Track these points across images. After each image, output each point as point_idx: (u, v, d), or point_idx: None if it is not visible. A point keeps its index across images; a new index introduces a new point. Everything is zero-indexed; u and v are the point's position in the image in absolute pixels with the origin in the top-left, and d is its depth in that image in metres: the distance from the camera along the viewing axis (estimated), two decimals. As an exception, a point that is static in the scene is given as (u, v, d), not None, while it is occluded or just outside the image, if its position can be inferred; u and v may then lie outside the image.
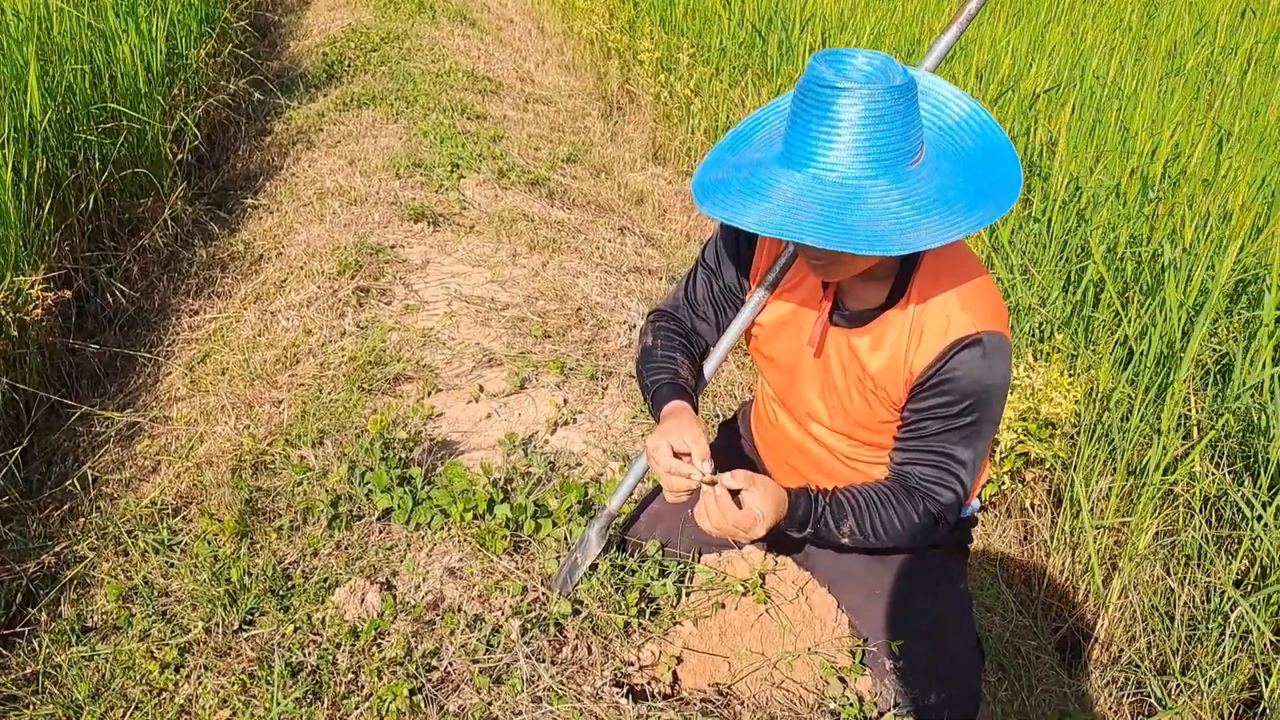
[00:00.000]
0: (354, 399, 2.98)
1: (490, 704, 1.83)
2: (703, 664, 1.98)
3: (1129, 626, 2.97)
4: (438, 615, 2.05)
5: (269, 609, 2.14)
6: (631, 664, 1.96)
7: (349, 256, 3.89)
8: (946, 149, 1.60)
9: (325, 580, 2.20)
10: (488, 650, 1.94)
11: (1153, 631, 2.91)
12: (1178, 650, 2.82)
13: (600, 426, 2.98)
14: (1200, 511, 2.92)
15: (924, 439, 1.74)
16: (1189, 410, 2.97)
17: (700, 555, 2.13)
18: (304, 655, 2.00)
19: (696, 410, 1.79)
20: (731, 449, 2.23)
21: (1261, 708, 2.59)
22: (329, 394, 2.99)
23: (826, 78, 1.41)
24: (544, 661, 1.90)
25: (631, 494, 2.05)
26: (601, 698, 1.81)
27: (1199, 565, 2.89)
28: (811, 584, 2.05)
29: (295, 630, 2.06)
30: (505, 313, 3.62)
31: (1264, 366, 2.79)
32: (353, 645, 1.99)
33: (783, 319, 1.87)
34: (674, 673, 1.97)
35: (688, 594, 2.06)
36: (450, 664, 1.93)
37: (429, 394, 3.09)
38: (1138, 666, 2.81)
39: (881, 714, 1.89)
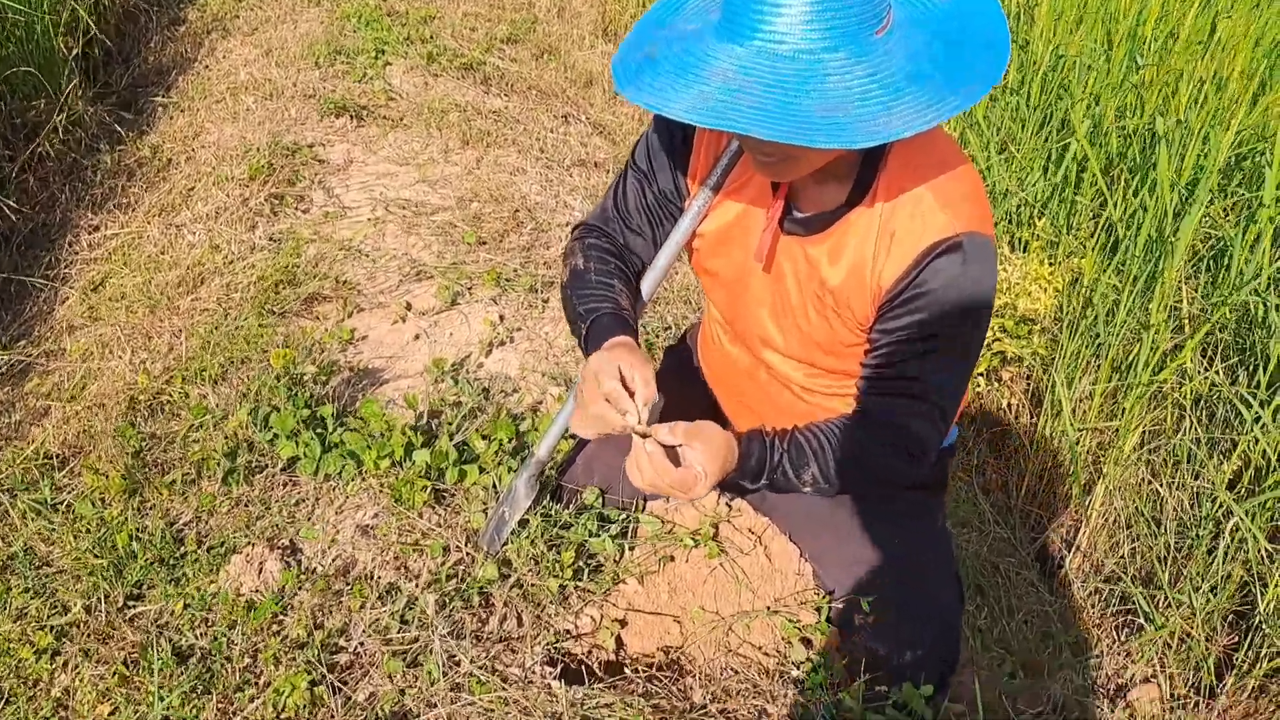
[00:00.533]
0: (263, 325, 2.67)
1: (403, 692, 1.59)
2: (650, 626, 1.75)
3: (1112, 534, 2.78)
4: (347, 585, 1.80)
5: (158, 581, 1.88)
6: (569, 633, 1.72)
7: (261, 159, 3.52)
8: (916, 12, 1.30)
9: (222, 545, 1.93)
10: (401, 627, 1.69)
11: (1138, 538, 2.73)
12: (1165, 559, 2.64)
13: (540, 345, 2.69)
14: (1191, 411, 2.70)
15: (895, 365, 1.48)
16: (1180, 302, 2.72)
17: (645, 503, 1.88)
18: (194, 637, 1.75)
19: (640, 345, 1.51)
20: (683, 377, 1.96)
21: (1255, 620, 2.42)
22: (235, 320, 2.68)
23: None
24: (465, 638, 1.66)
25: (563, 437, 1.78)
26: (531, 681, 1.58)
27: (1189, 469, 2.69)
28: (770, 531, 1.81)
29: (185, 608, 1.81)
30: (435, 218, 3.29)
31: (1264, 253, 2.53)
32: (249, 624, 1.74)
33: (727, 228, 1.58)
34: (618, 638, 1.74)
35: (631, 548, 1.82)
36: (359, 645, 1.69)
37: (349, 315, 2.79)
38: (1121, 579, 2.63)
39: (851, 673, 1.68)
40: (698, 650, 1.71)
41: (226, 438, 2.16)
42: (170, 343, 2.64)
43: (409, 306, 2.82)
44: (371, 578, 1.81)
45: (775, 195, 1.48)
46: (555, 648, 1.66)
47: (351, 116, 3.90)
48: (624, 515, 1.85)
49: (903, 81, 1.19)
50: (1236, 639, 2.47)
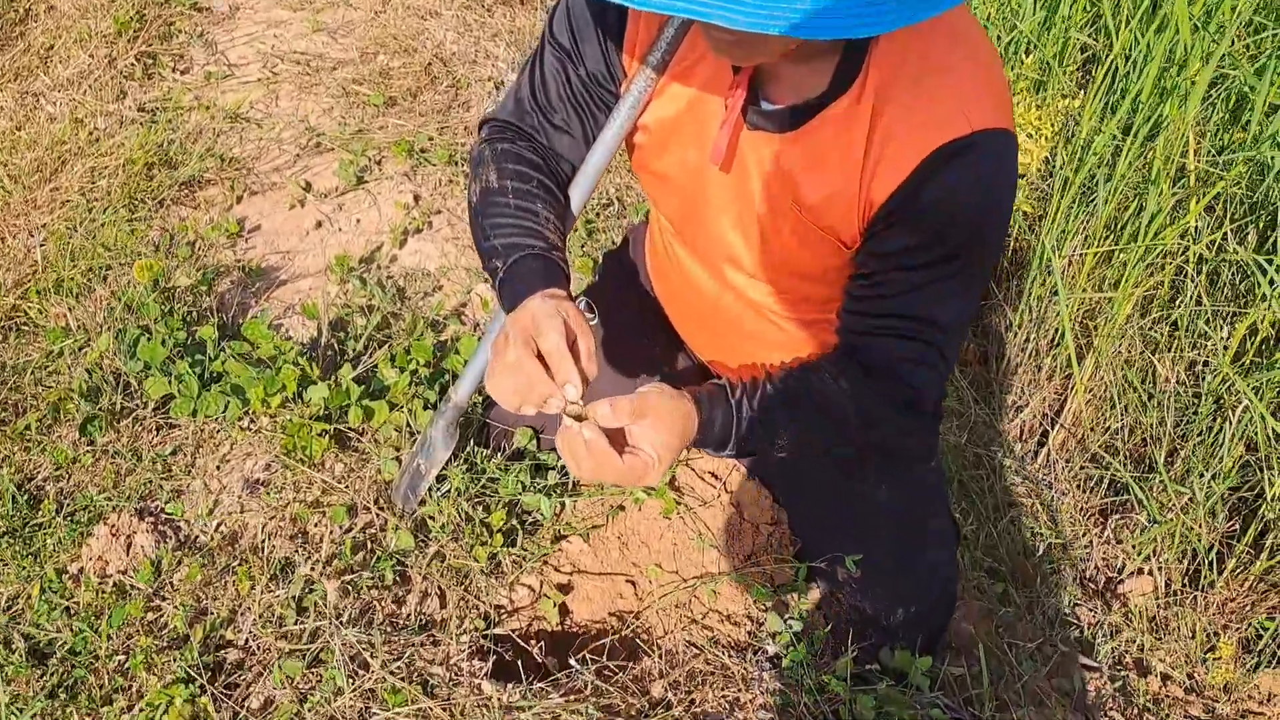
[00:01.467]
0: (135, 220, 2.27)
1: (304, 701, 1.32)
2: (599, 589, 1.49)
3: (1100, 410, 2.56)
4: (234, 559, 1.51)
5: (9, 558, 1.57)
6: (503, 608, 1.45)
7: (129, 9, 3.01)
8: None
9: (85, 510, 1.62)
10: (299, 617, 1.41)
11: (1128, 412, 2.50)
12: (1159, 439, 2.43)
13: (462, 232, 2.33)
14: (1194, 277, 2.43)
15: (890, 298, 1.17)
16: (1188, 155, 2.41)
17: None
18: (54, 630, 1.46)
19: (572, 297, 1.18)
20: (628, 293, 1.63)
21: (1261, 512, 2.22)
22: (101, 215, 2.27)
23: None
24: (377, 629, 1.38)
25: (484, 379, 1.46)
26: (458, 682, 1.31)
27: (1189, 340, 2.44)
28: (737, 475, 1.53)
29: (42, 593, 1.50)
30: (336, 74, 2.83)
31: (1290, 97, 2.21)
32: (118, 615, 1.45)
33: (676, 118, 1.22)
34: (562, 606, 1.48)
35: (573, 499, 1.53)
36: (250, 639, 1.41)
37: (238, 200, 2.39)
38: (1110, 462, 2.42)
39: (836, 637, 1.44)
40: (656, 618, 1.45)
41: (88, 371, 1.81)
42: (26, 245, 2.24)
43: (308, 187, 2.42)
44: (263, 549, 1.51)
45: (736, 80, 1.12)
46: (485, 635, 1.39)
47: (234, -49, 3.35)
48: (563, 461, 1.55)
49: None
50: (1235, 525, 2.28)
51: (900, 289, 1.15)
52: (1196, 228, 2.43)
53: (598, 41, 1.23)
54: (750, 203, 1.22)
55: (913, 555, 1.46)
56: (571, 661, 1.33)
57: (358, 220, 2.36)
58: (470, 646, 1.36)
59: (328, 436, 1.63)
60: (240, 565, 1.48)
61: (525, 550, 1.49)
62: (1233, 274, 2.43)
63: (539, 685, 1.31)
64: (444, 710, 1.26)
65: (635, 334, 1.57)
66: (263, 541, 1.51)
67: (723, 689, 1.31)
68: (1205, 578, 2.22)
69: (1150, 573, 2.30)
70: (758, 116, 1.15)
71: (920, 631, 1.47)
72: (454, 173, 2.50)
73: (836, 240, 1.18)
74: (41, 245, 2.20)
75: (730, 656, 1.36)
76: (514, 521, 1.51)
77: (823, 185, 1.14)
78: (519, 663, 1.33)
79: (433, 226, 2.35)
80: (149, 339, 1.82)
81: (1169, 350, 2.47)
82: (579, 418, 1.00)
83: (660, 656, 1.36)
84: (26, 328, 2.03)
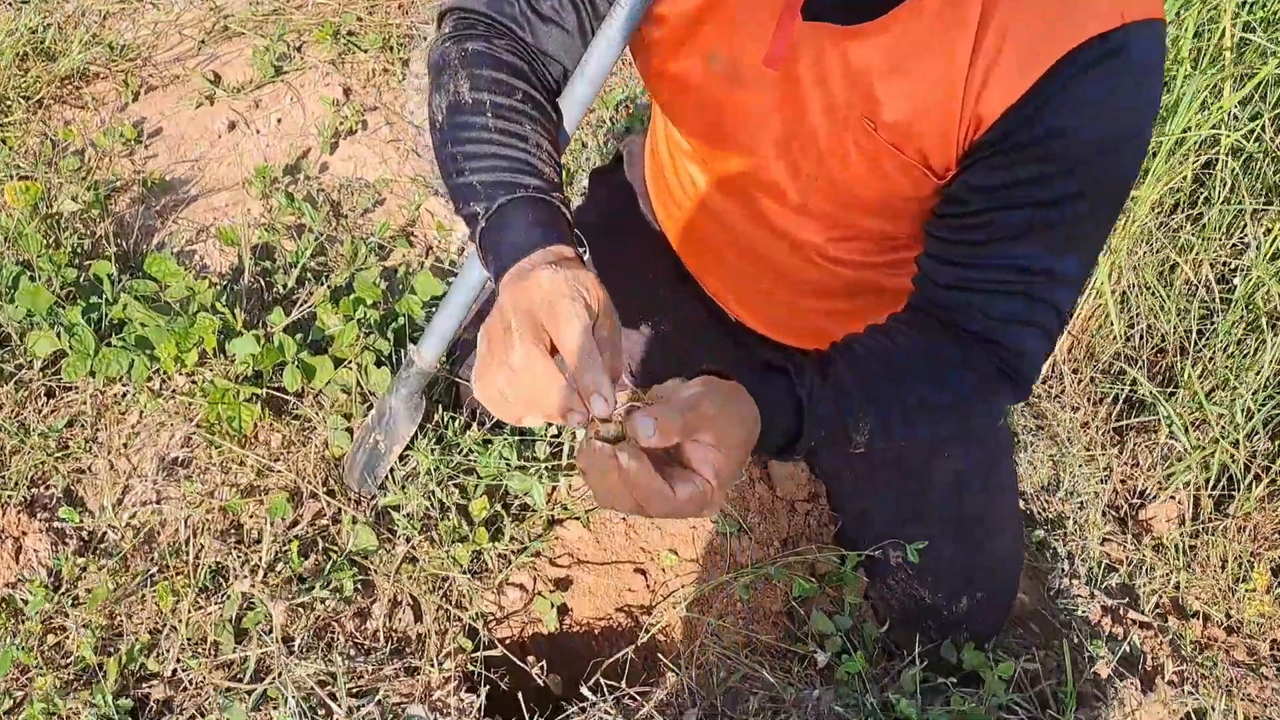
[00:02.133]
0: (9, 124, 1.88)
1: (252, 756, 1.06)
2: (604, 582, 1.24)
3: (1122, 316, 2.35)
4: (152, 565, 1.21)
5: None
6: (492, 616, 1.19)
7: None
8: None
9: (-40, 503, 1.31)
10: (238, 643, 1.13)
11: (1145, 317, 2.30)
12: (1186, 352, 2.23)
13: (403, 132, 1.98)
14: (1227, 168, 2.19)
15: (994, 243, 0.89)
16: (1226, 35, 2.14)
17: (583, 407, 1.29)
18: (-68, 663, 1.17)
19: (583, 254, 0.87)
20: (622, 226, 1.32)
21: (1299, 429, 2.05)
22: (-37, 119, 1.88)
23: None
24: (337, 653, 1.11)
25: (457, 336, 1.17)
26: (444, 722, 1.06)
27: (1219, 238, 2.22)
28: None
29: (-87, 614, 1.20)
30: (243, -60, 2.40)
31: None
32: (11, 641, 1.16)
33: (704, 7, 0.91)
34: (561, 606, 1.22)
35: (569, 477, 1.26)
36: (178, 671, 1.13)
37: (134, 97, 2.00)
38: (1125, 370, 2.21)
39: (887, 634, 1.21)
40: (675, 619, 1.20)
41: (-48, 323, 1.47)
42: (-128, 159, 1.84)
43: (216, 80, 2.04)
44: (187, 551, 1.22)
45: None
46: (472, 660, 1.13)
47: None
48: (554, 430, 1.28)
49: None
50: (1267, 442, 2.11)
51: (1009, 233, 0.88)
52: (1230, 116, 2.19)
53: None
54: (803, 116, 0.92)
55: (981, 533, 1.23)
56: (584, 690, 1.07)
57: (278, 120, 1.99)
58: (456, 673, 1.10)
59: (259, 403, 1.32)
60: (160, 574, 1.20)
61: (514, 543, 1.22)
62: (1270, 164, 2.20)
63: (545, 722, 1.06)
64: (429, 768, 1.01)
65: (635, 274, 1.27)
66: (187, 541, 1.22)
67: (772, 715, 1.07)
68: (1240, 505, 2.06)
69: (1176, 498, 2.12)
70: (819, 5, 0.85)
71: (986, 619, 1.26)
72: (389, 60, 2.13)
73: (922, 167, 0.89)
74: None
75: (773, 671, 1.12)
76: (498, 507, 1.23)
77: (910, 95, 0.85)
78: (519, 694, 1.08)
79: (368, 127, 1.99)
80: (31, 279, 1.48)
81: (1197, 250, 2.25)
82: (614, 439, 0.72)
83: (688, 672, 1.11)
84: (-122, 264, 1.66)
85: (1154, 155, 2.19)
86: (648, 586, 1.26)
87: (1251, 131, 2.17)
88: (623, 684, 1.09)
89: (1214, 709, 1.45)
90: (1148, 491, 2.15)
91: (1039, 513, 1.91)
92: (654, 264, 1.29)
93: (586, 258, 0.87)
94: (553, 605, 1.21)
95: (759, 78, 0.91)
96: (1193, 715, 1.45)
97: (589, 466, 0.73)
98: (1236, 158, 2.20)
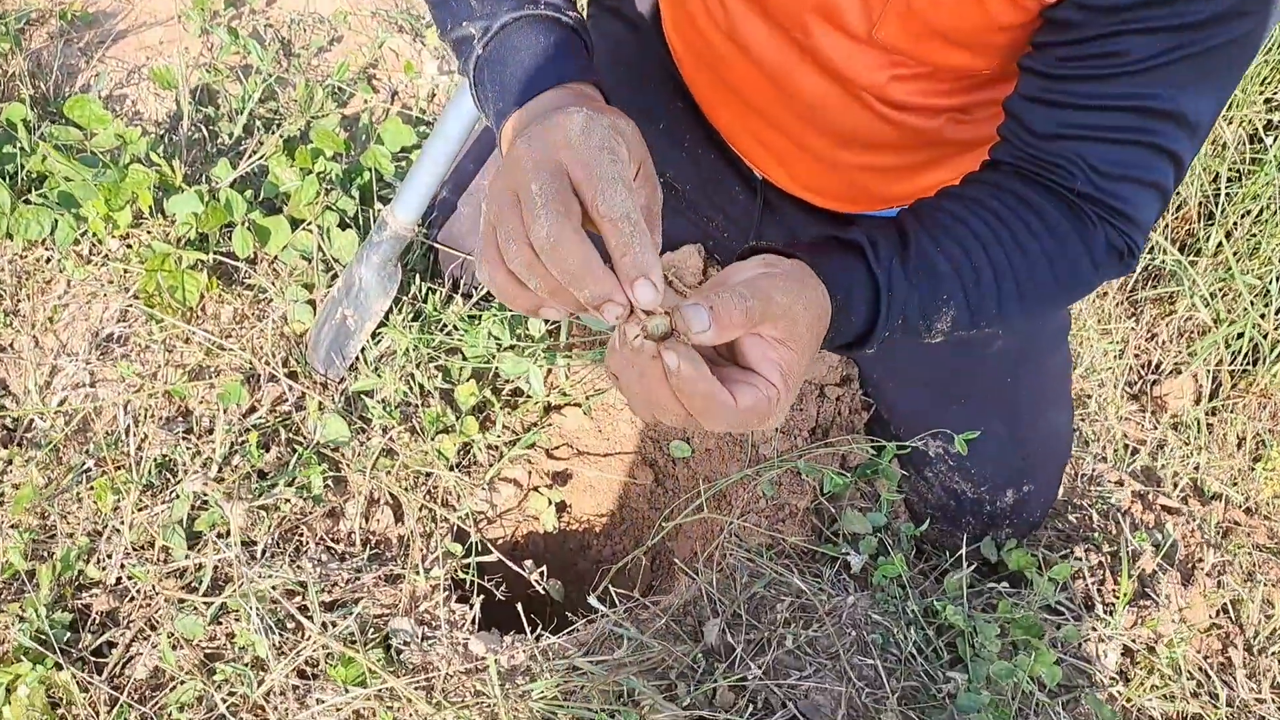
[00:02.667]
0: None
1: (210, 678, 0.92)
2: (606, 476, 1.10)
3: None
4: (88, 458, 1.05)
5: None
6: (482, 515, 1.05)
7: None
8: None
9: None
10: (190, 548, 0.98)
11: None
12: (1214, 218, 2.09)
13: (363, -43, 1.73)
14: None
15: (1110, 79, 0.73)
16: None
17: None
18: None
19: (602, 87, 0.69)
20: (630, 57, 1.12)
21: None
22: None
23: None
24: (307, 558, 0.97)
25: (435, 194, 0.99)
26: (432, 639, 0.92)
27: (1248, 95, 2.06)
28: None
29: None
30: None
31: None
32: (-76, 549, 1.00)
33: None
34: (560, 504, 1.08)
35: (567, 361, 1.10)
36: (122, 580, 0.98)
37: (46, -87, 1.73)
38: (1149, 241, 2.08)
39: (928, 526, 1.09)
40: (690, 522, 1.06)
41: None
42: None
43: (143, -109, 1.77)
44: (128, 442, 1.05)
45: None
46: (463, 566, 0.99)
47: None
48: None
49: None
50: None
51: (1133, 64, 0.72)
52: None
53: None
54: None
55: (1031, 419, 1.09)
56: (591, 599, 0.94)
57: (218, -59, 1.73)
58: (444, 580, 0.96)
59: (205, 270, 1.14)
60: (98, 468, 1.03)
61: (506, 433, 1.07)
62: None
63: (549, 640, 0.92)
64: (421, 689, 0.88)
65: (645, 121, 1.08)
66: (127, 430, 1.06)
67: (800, 623, 0.95)
68: (1259, 379, 1.96)
69: (1194, 375, 2.02)
70: None
71: (1032, 513, 1.13)
72: None
73: None
74: None
75: (802, 576, 0.99)
76: (488, 394, 1.07)
77: None
78: (516, 605, 0.94)
79: (322, -51, 1.75)
80: (-70, 126, 1.27)
81: (1229, 107, 2.09)
82: (660, 336, 0.55)
83: (708, 576, 0.98)
84: None
85: None
86: (657, 481, 1.12)
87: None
88: (634, 592, 0.95)
89: (1249, 599, 1.36)
90: (1163, 366, 2.04)
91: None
92: (668, 109, 1.10)
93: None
94: (550, 502, 1.07)
95: None
96: (1229, 605, 1.36)
97: (625, 368, 0.57)
98: None
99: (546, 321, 1.12)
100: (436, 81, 1.58)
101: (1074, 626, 1.05)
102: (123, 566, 0.99)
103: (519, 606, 0.93)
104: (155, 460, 1.03)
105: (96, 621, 0.97)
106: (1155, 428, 1.86)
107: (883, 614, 0.98)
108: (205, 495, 0.99)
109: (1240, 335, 1.95)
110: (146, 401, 1.08)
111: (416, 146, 1.31)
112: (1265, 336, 1.90)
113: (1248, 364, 1.98)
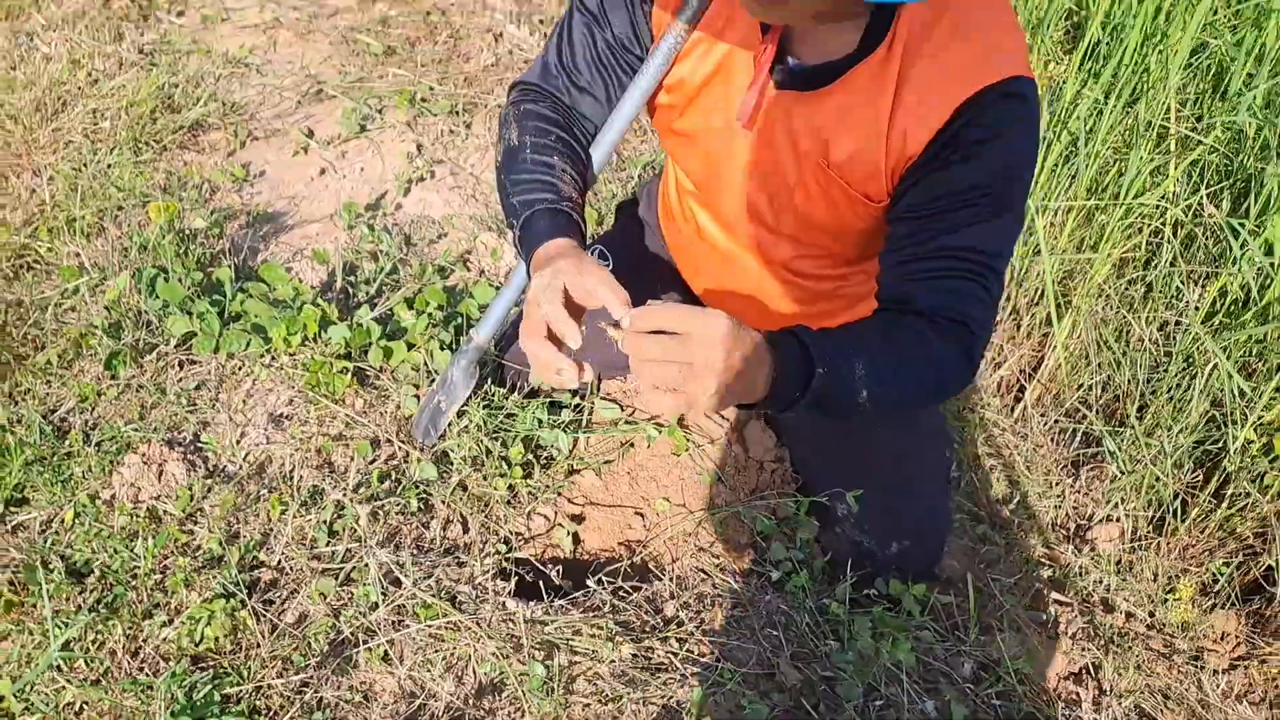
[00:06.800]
0: (140, 163, 2.30)
1: (338, 615, 1.40)
2: (610, 520, 1.57)
3: (1076, 366, 2.67)
4: (264, 487, 1.58)
5: (40, 484, 1.62)
6: (520, 535, 1.54)
7: (122, -51, 3.00)
8: None
9: (113, 441, 1.67)
10: (330, 539, 1.48)
11: (1100, 370, 2.62)
12: (1130, 395, 2.54)
13: (465, 181, 2.38)
14: (1171, 239, 2.53)
15: (938, 237, 1.17)
16: (1170, 119, 2.50)
17: (600, 384, 1.66)
18: (90, 552, 1.52)
19: (585, 243, 1.23)
20: (638, 251, 1.69)
21: (1223, 464, 2.35)
22: (106, 157, 2.30)
23: None
24: (404, 550, 1.46)
25: (505, 323, 1.53)
26: (484, 600, 1.40)
27: (1163, 300, 2.55)
28: (741, 415, 1.61)
29: (76, 517, 1.57)
30: (335, 21, 2.86)
31: (1267, 69, 2.30)
32: (154, 539, 1.51)
33: (706, 80, 1.28)
34: (574, 535, 1.56)
35: (587, 436, 1.61)
36: (283, 560, 1.48)
37: (241, 145, 2.43)
38: (1085, 414, 2.53)
39: (835, 569, 1.53)
40: (664, 547, 1.54)
41: (108, 308, 1.85)
42: (31, 185, 2.27)
43: (310, 135, 2.46)
44: (291, 478, 1.58)
45: (765, 39, 1.18)
46: (506, 559, 1.47)
47: (227, -105, 3.34)
48: (577, 400, 1.63)
49: None
50: (1199, 476, 2.40)
51: (948, 229, 1.15)
52: (1175, 191, 2.53)
53: (625, 7, 1.29)
54: (778, 161, 1.27)
55: (909, 493, 1.55)
56: (589, 581, 1.41)
57: (361, 168, 2.40)
58: (493, 568, 1.44)
59: (349, 374, 1.69)
60: (271, 492, 1.55)
61: (541, 483, 1.57)
62: (1206, 237, 2.53)
63: (559, 603, 1.39)
64: (473, 623, 1.35)
65: (646, 286, 1.64)
66: (291, 471, 1.58)
67: (730, 609, 1.40)
68: (1169, 525, 2.34)
69: (1118, 520, 2.42)
70: (787, 75, 1.20)
71: (913, 564, 1.57)
72: (455, 123, 2.54)
73: (863, 196, 1.22)
74: (48, 184, 2.23)
75: (736, 581, 1.45)
76: (530, 455, 1.59)
77: (851, 142, 1.19)
78: (539, 583, 1.42)
79: (435, 176, 2.40)
80: (166, 279, 1.87)
81: (1144, 310, 2.57)
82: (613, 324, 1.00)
83: (671, 580, 1.45)
84: (38, 265, 2.07)
85: (1107, 226, 2.54)
86: (645, 527, 1.59)
87: (1190, 206, 2.51)
88: (619, 580, 1.42)
89: (1107, 665, 1.75)
90: (1095, 516, 2.45)
91: (989, 515, 2.23)
92: (663, 277, 1.66)
93: (609, 268, 1.19)
94: (569, 533, 1.55)
95: (744, 133, 1.27)
96: (1091, 668, 1.75)
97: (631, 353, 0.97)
98: (1176, 229, 2.54)
99: (571, 409, 1.63)
100: (511, 262, 2.18)
101: (934, 634, 1.47)
102: (283, 553, 1.49)
103: (540, 584, 1.41)
104: (309, 488, 1.55)
105: (264, 585, 1.46)
106: (1077, 555, 2.26)
107: (789, 607, 1.42)
108: (342, 503, 1.50)
109: (1154, 490, 2.34)
110: (304, 454, 1.61)
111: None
112: (1165, 486, 2.31)
113: (1169, 515, 2.37)
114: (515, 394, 1.63)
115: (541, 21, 3.02)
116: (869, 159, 1.19)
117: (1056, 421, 2.65)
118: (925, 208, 1.17)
